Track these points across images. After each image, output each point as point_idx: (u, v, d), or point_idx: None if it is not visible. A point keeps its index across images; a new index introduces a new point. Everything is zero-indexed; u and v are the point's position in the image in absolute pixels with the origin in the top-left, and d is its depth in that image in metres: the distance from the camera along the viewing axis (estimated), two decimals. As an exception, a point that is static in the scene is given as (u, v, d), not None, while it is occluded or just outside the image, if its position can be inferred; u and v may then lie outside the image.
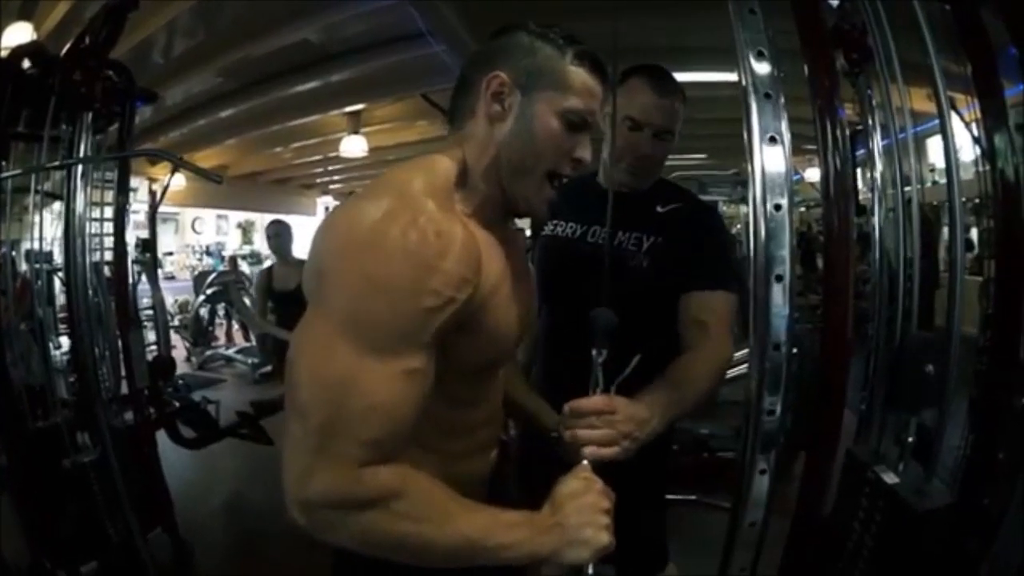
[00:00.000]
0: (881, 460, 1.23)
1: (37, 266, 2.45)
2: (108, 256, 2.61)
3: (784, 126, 0.97)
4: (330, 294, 0.88)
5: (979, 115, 1.25)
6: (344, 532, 0.89)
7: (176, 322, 8.31)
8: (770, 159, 0.96)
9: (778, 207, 0.96)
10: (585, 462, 1.08)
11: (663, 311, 1.51)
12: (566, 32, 1.04)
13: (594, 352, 1.16)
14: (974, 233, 3.19)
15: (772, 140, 0.96)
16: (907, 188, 1.31)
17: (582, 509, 0.97)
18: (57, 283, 2.51)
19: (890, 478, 1.17)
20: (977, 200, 1.34)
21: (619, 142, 1.59)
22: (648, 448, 1.57)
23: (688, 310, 1.48)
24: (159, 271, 5.15)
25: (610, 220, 1.33)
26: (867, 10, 1.25)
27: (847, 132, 1.20)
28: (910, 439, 1.20)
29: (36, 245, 2.43)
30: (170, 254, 12.57)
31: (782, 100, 0.98)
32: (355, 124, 7.81)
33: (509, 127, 1.02)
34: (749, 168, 0.98)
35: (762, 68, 0.98)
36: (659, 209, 1.60)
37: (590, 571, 0.97)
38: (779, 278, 0.96)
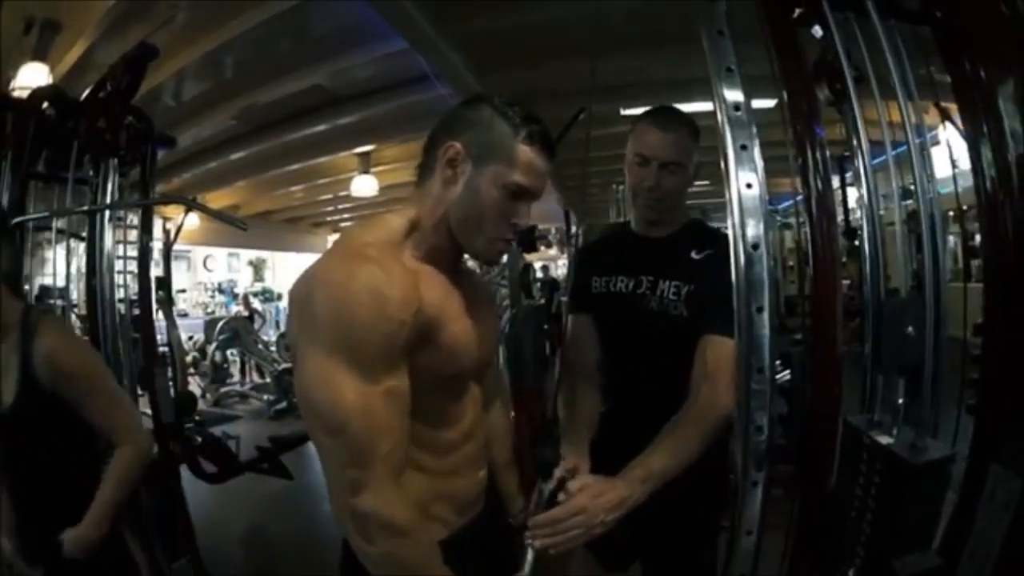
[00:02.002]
0: (876, 427, 1.28)
1: (61, 302, 2.52)
2: (122, 293, 2.65)
3: (759, 173, 1.08)
4: (318, 340, 1.05)
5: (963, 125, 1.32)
6: (376, 547, 1.06)
7: (191, 366, 8.36)
8: (747, 203, 1.07)
9: (755, 246, 1.06)
10: (526, 564, 1.27)
11: None
12: (526, 112, 1.19)
13: (539, 480, 1.35)
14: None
15: (748, 187, 1.08)
16: (890, 206, 1.38)
17: None
18: (73, 319, 2.59)
19: (884, 439, 1.22)
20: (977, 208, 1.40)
21: (632, 179, 1.71)
22: (707, 471, 1.69)
23: (703, 352, 1.56)
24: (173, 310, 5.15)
25: (569, 248, 1.45)
26: (837, 43, 1.32)
27: (827, 153, 1.27)
28: (900, 401, 1.25)
29: (59, 281, 2.51)
30: (182, 291, 12.66)
31: (757, 150, 1.09)
32: (366, 164, 7.96)
33: (458, 191, 1.18)
34: (729, 214, 1.09)
35: (740, 121, 1.09)
36: (694, 256, 1.69)
37: None
38: (760, 309, 1.07)
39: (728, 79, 1.11)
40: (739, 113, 1.09)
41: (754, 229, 1.08)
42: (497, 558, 1.39)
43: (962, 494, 1.23)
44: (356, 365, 1.02)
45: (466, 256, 1.31)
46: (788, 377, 1.39)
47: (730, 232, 1.09)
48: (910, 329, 1.20)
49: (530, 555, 1.27)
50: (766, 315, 1.07)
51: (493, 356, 1.40)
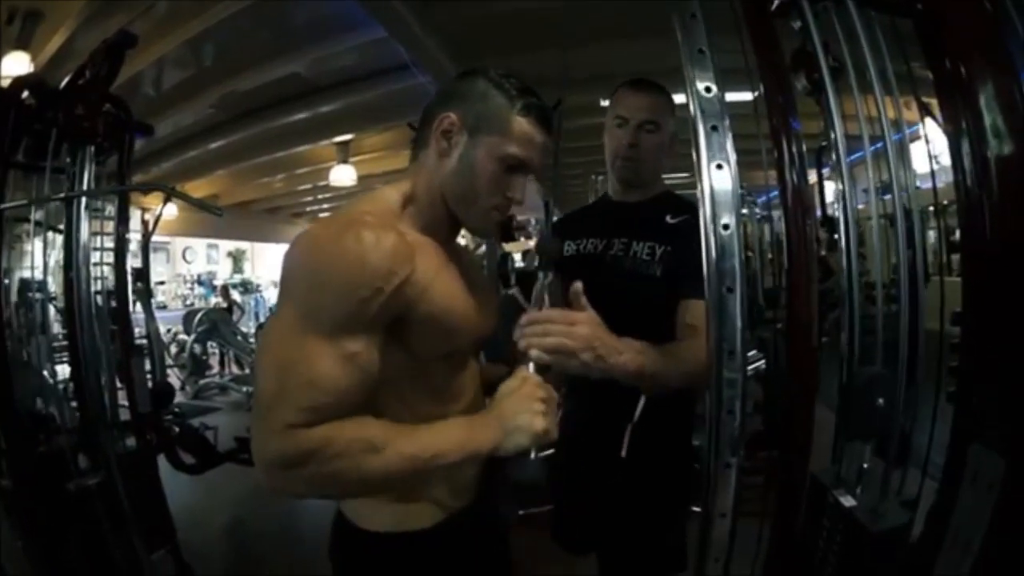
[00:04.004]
0: (841, 484, 1.29)
1: (39, 295, 2.50)
2: (99, 285, 2.63)
3: (730, 154, 1.07)
4: (289, 293, 1.04)
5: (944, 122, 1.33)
6: (300, 487, 1.00)
7: (171, 360, 8.30)
8: (718, 183, 1.06)
9: (726, 227, 1.06)
10: (528, 366, 1.17)
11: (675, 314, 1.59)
12: (521, 84, 1.18)
13: (540, 275, 1.29)
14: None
15: (719, 167, 1.07)
16: (863, 206, 1.40)
17: (518, 400, 1.12)
18: (52, 311, 2.56)
19: (847, 501, 1.23)
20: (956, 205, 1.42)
21: (612, 141, 1.77)
22: (672, 455, 1.74)
23: (684, 315, 1.55)
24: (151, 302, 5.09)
25: (544, 212, 1.44)
26: (812, 34, 1.33)
27: (804, 147, 1.28)
28: (865, 465, 1.26)
29: (36, 274, 2.48)
30: (162, 283, 12.58)
31: (728, 131, 1.08)
32: (344, 154, 7.93)
33: (453, 163, 1.17)
34: (699, 192, 1.08)
35: (710, 102, 1.08)
36: (669, 220, 1.71)
37: (532, 456, 1.09)
38: (730, 290, 1.06)
39: (699, 61, 1.11)
40: (710, 95, 1.09)
41: (724, 210, 1.07)
42: (491, 547, 1.38)
43: (943, 481, 1.25)
44: (315, 324, 0.99)
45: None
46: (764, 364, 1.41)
47: (701, 214, 1.08)
48: (880, 401, 1.22)
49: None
50: (737, 296, 1.06)
51: (491, 331, 1.34)
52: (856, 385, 1.28)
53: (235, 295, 12.51)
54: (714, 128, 1.08)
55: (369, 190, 1.23)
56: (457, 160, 1.16)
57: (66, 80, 2.44)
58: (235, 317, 10.44)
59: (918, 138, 1.45)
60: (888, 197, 1.39)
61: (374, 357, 1.04)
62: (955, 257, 1.33)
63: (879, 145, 1.34)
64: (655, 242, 1.68)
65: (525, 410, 1.10)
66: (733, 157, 1.07)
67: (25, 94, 2.39)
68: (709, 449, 1.13)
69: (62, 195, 2.33)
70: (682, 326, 1.54)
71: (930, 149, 1.43)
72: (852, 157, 1.35)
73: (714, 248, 1.06)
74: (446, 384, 1.22)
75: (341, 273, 0.99)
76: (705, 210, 1.07)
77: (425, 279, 1.09)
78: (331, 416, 0.98)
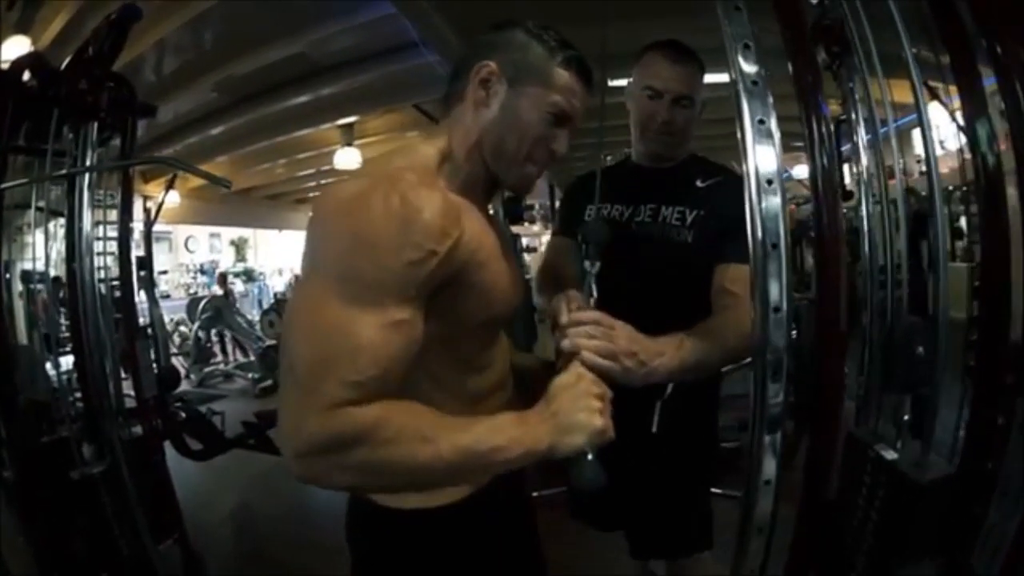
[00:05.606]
0: (880, 440, 1.26)
1: (40, 285, 2.46)
2: (103, 274, 2.57)
3: (771, 111, 1.05)
4: (321, 256, 0.96)
5: (960, 105, 1.29)
6: (341, 475, 0.91)
7: (175, 348, 8.29)
8: (760, 140, 1.04)
9: (769, 181, 1.03)
10: (576, 361, 1.10)
11: (708, 282, 1.52)
12: (561, 37, 1.13)
13: (586, 263, 1.21)
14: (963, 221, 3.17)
15: (760, 123, 1.04)
16: (891, 181, 1.36)
17: (574, 397, 1.02)
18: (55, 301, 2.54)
19: (890, 454, 1.20)
20: (965, 188, 1.38)
21: (642, 112, 1.66)
22: (696, 432, 1.70)
23: (721, 280, 1.49)
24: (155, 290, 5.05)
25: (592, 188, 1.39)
26: (843, 4, 1.30)
27: (832, 128, 1.25)
28: (906, 417, 1.23)
29: (38, 262, 2.45)
30: (164, 273, 12.55)
31: (767, 88, 1.05)
32: (348, 136, 7.84)
33: (492, 114, 1.11)
34: (741, 149, 1.05)
35: (748, 61, 1.06)
36: (699, 184, 1.64)
37: (589, 458, 1.00)
38: (774, 246, 1.03)
39: (736, 18, 1.08)
40: (749, 51, 1.06)
41: (767, 166, 1.03)
42: (518, 523, 1.35)
43: (972, 441, 1.22)
44: (357, 290, 0.90)
45: None
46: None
47: (744, 170, 1.05)
48: (920, 350, 1.19)
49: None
50: (782, 252, 1.03)
51: (521, 302, 1.27)
52: (896, 335, 1.26)
53: (238, 283, 12.49)
54: (755, 83, 1.05)
55: (403, 146, 1.16)
56: (499, 111, 1.11)
57: (69, 58, 2.40)
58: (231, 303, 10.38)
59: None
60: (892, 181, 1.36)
61: (419, 327, 0.96)
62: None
63: (902, 121, 1.31)
64: (685, 207, 1.61)
65: (583, 407, 1.01)
66: (774, 113, 1.04)
67: (26, 76, 2.33)
68: (752, 414, 1.10)
69: (63, 171, 2.28)
70: (719, 291, 1.48)
71: (959, 130, 1.40)
72: (883, 129, 1.31)
73: (757, 205, 1.03)
74: (478, 356, 1.16)
75: (386, 233, 0.91)
76: (748, 166, 1.04)
77: (475, 241, 1.03)
78: (376, 391, 0.90)
